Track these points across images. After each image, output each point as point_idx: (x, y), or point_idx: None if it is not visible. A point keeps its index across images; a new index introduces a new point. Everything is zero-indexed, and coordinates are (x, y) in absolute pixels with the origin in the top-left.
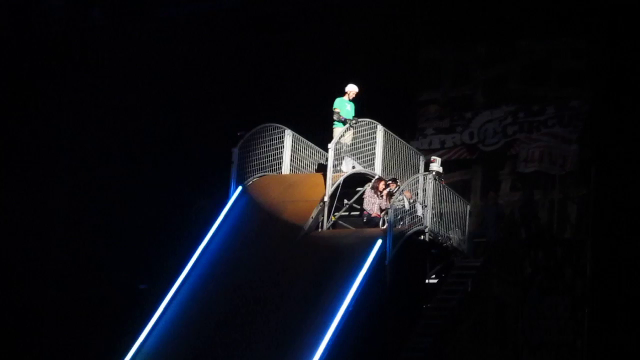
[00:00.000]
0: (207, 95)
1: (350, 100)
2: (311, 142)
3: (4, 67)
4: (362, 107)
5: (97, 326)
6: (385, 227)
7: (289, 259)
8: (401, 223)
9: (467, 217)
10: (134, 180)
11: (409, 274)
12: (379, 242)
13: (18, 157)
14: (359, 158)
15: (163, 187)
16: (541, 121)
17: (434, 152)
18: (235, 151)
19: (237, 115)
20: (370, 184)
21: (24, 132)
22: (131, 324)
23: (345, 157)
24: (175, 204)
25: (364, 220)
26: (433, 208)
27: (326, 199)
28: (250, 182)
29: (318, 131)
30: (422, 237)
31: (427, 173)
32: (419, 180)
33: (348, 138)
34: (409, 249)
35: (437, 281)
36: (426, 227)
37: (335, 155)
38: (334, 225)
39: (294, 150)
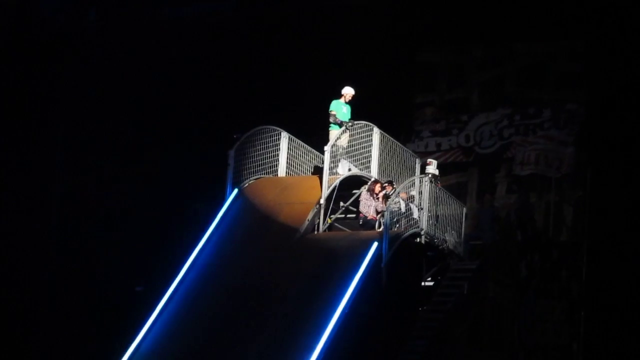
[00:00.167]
0: (203, 98)
1: (346, 102)
2: (307, 144)
3: (0, 70)
4: (358, 109)
5: (93, 328)
6: (381, 229)
7: (285, 262)
8: (397, 225)
9: (463, 219)
10: (130, 182)
11: (405, 277)
12: (375, 244)
13: (15, 159)
14: (355, 160)
15: (159, 189)
16: (537, 124)
17: (430, 154)
18: (231, 153)
19: (233, 117)
20: (367, 187)
21: (20, 134)
22: (127, 326)
23: (342, 160)
24: (171, 206)
25: (360, 223)
26: (429, 210)
27: (322, 201)
28: (247, 185)
29: (314, 133)
30: (418, 239)
31: (423, 175)
32: (415, 183)
33: (344, 140)
34: (405, 251)
35: (433, 284)
36: (422, 229)
37: (331, 157)
38: (330, 227)
39: (290, 152)
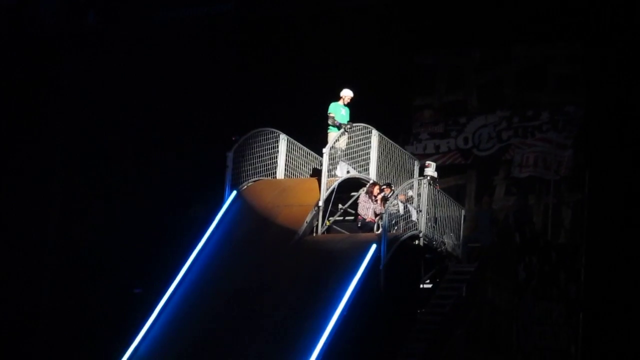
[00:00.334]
0: (201, 100)
1: (345, 104)
2: (306, 146)
3: None
4: (357, 111)
5: (91, 330)
6: (379, 231)
7: (284, 264)
8: (395, 228)
9: (462, 222)
10: (129, 184)
11: (403, 279)
12: (374, 246)
13: (14, 162)
14: (353, 163)
15: (157, 191)
16: (536, 126)
17: (428, 156)
18: (230, 155)
19: (232, 119)
20: (365, 189)
21: (19, 136)
22: (126, 328)
23: (340, 162)
24: (169, 208)
25: (359, 225)
26: (427, 213)
27: (321, 203)
28: (245, 187)
29: (313, 136)
30: (416, 241)
31: (421, 178)
32: (414, 185)
33: (343, 143)
34: (403, 253)
35: (432, 286)
36: (421, 231)
37: (329, 159)
38: (329, 229)
39: (288, 154)
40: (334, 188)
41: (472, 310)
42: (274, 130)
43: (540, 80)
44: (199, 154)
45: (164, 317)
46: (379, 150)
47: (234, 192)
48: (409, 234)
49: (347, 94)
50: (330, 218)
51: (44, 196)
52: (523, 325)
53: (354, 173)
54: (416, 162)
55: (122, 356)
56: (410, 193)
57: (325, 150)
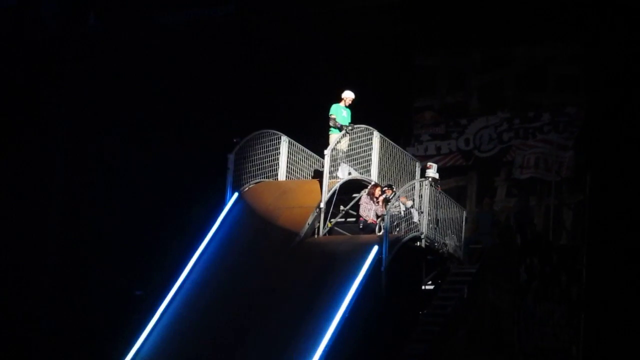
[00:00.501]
0: (202, 101)
1: (346, 106)
2: (307, 148)
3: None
4: (358, 113)
5: (92, 332)
6: (381, 233)
7: (285, 266)
8: (397, 229)
9: (464, 223)
10: (130, 186)
11: (405, 281)
12: (375, 248)
13: (14, 162)
14: (355, 164)
15: (158, 193)
16: (537, 127)
17: (429, 158)
18: (231, 157)
19: (233, 121)
20: (366, 190)
21: (19, 137)
22: (128, 330)
23: (342, 164)
24: (170, 210)
25: (360, 227)
26: (429, 214)
27: (322, 205)
28: (246, 189)
29: (314, 137)
30: (418, 243)
31: (423, 179)
32: (415, 187)
33: (344, 144)
34: (405, 255)
35: (433, 287)
36: (422, 233)
37: (331, 161)
38: (330, 231)
39: (289, 156)
40: (335, 190)
41: (474, 311)
42: (275, 132)
43: (541, 82)
44: (200, 156)
45: (166, 320)
46: (380, 152)
47: (236, 194)
48: (411, 235)
49: (348, 95)
50: (332, 220)
51: (44, 198)
52: (524, 326)
53: (355, 175)
54: (417, 164)
55: (124, 358)
56: (410, 203)
57: (327, 152)
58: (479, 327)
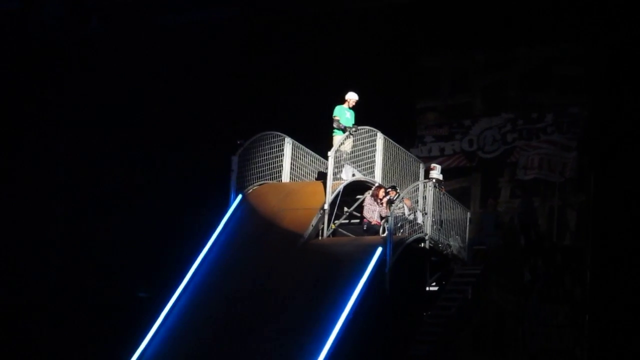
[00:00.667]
0: (206, 104)
1: (350, 108)
2: (311, 150)
3: (3, 77)
4: (362, 114)
5: (96, 334)
6: (385, 234)
7: (289, 267)
8: (401, 231)
9: (467, 224)
10: (134, 188)
11: (408, 282)
12: (379, 249)
13: (18, 164)
14: (358, 166)
15: (163, 195)
16: (540, 128)
17: (433, 159)
18: (235, 159)
19: (237, 123)
20: (370, 192)
21: (23, 139)
22: (131, 332)
23: (345, 165)
24: (174, 212)
25: (364, 228)
26: (433, 215)
27: (326, 206)
28: (250, 190)
29: (318, 139)
30: (422, 244)
31: (427, 180)
32: (419, 188)
33: (348, 146)
34: (408, 256)
35: (437, 289)
36: (426, 234)
37: (335, 163)
38: (334, 233)
39: (293, 158)
40: (339, 191)
41: (478, 312)
42: (279, 133)
43: (544, 82)
44: (204, 158)
45: (170, 321)
46: (384, 153)
47: (239, 196)
48: (415, 236)
49: (352, 97)
50: (336, 221)
51: (48, 199)
52: (529, 327)
53: (359, 176)
54: (421, 165)
55: None
56: (408, 203)
57: (331, 154)
58: (483, 328)
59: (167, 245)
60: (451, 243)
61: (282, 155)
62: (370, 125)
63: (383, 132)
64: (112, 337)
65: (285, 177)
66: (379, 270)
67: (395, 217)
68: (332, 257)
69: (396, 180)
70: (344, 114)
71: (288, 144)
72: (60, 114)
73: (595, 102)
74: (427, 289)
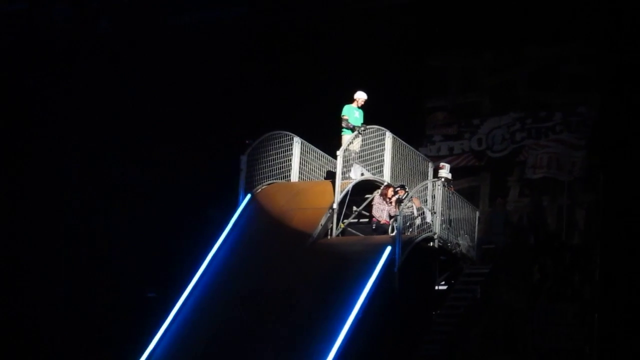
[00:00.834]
0: (215, 103)
1: (358, 107)
2: (320, 149)
3: (11, 77)
4: (371, 114)
5: (105, 334)
6: (394, 234)
7: (298, 267)
8: (410, 230)
9: (476, 223)
10: (142, 189)
11: (418, 281)
12: (388, 249)
13: (27, 165)
14: (367, 165)
15: (172, 194)
16: (549, 127)
17: (442, 158)
18: (244, 159)
19: (245, 122)
20: (379, 191)
21: (31, 140)
22: (141, 332)
23: (354, 164)
24: (183, 211)
25: (373, 227)
26: (442, 214)
27: (335, 206)
28: (259, 190)
29: (326, 138)
30: (431, 243)
31: (436, 180)
32: (428, 187)
33: (356, 145)
34: (418, 255)
35: (446, 288)
36: (435, 233)
37: (343, 162)
38: (343, 232)
39: (302, 157)
40: (348, 190)
41: (487, 311)
42: (287, 133)
43: (553, 81)
44: (213, 158)
45: (179, 321)
46: (392, 153)
47: (248, 196)
48: (424, 235)
49: (360, 96)
50: (345, 220)
51: (57, 199)
52: (538, 326)
53: (368, 175)
54: (430, 164)
55: None
56: (419, 212)
57: (339, 153)
58: (493, 327)
59: (175, 245)
60: (460, 242)
61: (291, 154)
62: (379, 125)
63: (392, 131)
64: (121, 337)
65: (294, 176)
66: (388, 269)
67: (404, 217)
68: (341, 256)
69: (405, 179)
70: (352, 113)
71: (297, 144)
72: (69, 113)
73: (604, 101)
74: (436, 288)
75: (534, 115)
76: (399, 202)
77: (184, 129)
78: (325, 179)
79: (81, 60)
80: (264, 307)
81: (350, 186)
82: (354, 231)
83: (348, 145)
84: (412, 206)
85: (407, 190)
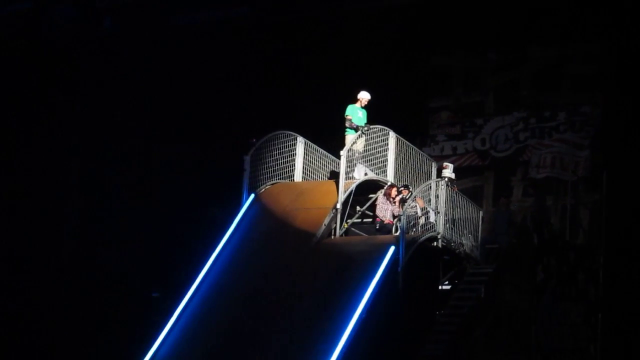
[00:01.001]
0: (218, 103)
1: (362, 107)
2: (323, 149)
3: (15, 78)
4: (374, 114)
5: (109, 334)
6: (397, 233)
7: (302, 267)
8: (414, 230)
9: (480, 223)
10: (145, 189)
11: (421, 281)
12: (392, 249)
13: (29, 164)
14: (371, 165)
15: (175, 194)
16: (553, 127)
17: (445, 158)
18: (247, 159)
19: (249, 122)
20: (383, 191)
21: (35, 140)
22: (144, 332)
23: (358, 164)
24: (187, 211)
25: (377, 227)
26: (446, 214)
27: (338, 206)
28: (263, 190)
29: (330, 138)
30: (434, 243)
31: (439, 179)
32: (432, 187)
33: (360, 145)
34: (421, 255)
35: (450, 287)
36: (439, 233)
37: (347, 162)
38: (347, 232)
39: (306, 157)
40: (351, 190)
41: (491, 311)
42: (291, 133)
43: (556, 81)
44: (216, 157)
45: (183, 321)
46: (396, 152)
47: (252, 195)
48: (427, 235)
49: (364, 96)
50: (348, 220)
51: (60, 199)
52: (542, 326)
53: (371, 175)
54: (433, 164)
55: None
56: (423, 212)
57: (343, 153)
58: (496, 327)
59: (179, 245)
60: (464, 242)
61: (295, 154)
62: (383, 124)
63: (395, 131)
64: (125, 337)
65: (298, 176)
66: (391, 269)
67: (408, 216)
68: (345, 256)
69: (408, 179)
70: (356, 113)
71: (300, 143)
72: (72, 114)
73: (608, 101)
74: (440, 288)
75: (537, 115)
76: (403, 202)
77: (187, 129)
78: (329, 178)
79: (84, 60)
80: (267, 306)
81: (353, 186)
82: (357, 231)
83: (351, 145)
84: (416, 206)
85: (410, 190)
